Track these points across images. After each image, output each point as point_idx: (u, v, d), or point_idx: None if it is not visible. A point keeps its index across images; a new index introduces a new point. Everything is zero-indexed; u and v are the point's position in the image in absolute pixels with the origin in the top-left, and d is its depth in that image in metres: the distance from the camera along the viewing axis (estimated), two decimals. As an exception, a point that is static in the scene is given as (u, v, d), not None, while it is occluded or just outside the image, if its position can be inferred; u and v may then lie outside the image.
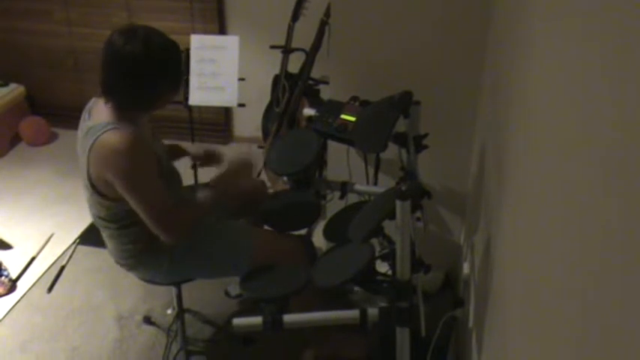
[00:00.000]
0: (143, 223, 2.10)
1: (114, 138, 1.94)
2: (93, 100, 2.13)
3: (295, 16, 3.36)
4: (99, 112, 2.04)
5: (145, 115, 2.16)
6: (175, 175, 2.30)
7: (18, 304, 3.01)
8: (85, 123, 2.06)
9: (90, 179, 2.03)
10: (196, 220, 2.17)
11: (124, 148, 1.93)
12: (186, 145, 2.60)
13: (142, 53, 1.93)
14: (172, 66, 2.05)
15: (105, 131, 1.95)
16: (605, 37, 0.86)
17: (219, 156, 2.56)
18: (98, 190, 2.04)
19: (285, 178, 3.44)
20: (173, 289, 2.53)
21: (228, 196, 2.29)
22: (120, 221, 2.12)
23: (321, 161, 3.08)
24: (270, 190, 2.94)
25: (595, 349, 0.79)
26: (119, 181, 1.97)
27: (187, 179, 2.67)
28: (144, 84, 1.99)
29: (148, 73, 1.97)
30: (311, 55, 3.31)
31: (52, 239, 3.45)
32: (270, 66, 3.69)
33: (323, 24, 3.18)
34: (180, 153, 2.51)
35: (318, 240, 3.06)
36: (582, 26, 1.02)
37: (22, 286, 3.12)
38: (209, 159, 2.55)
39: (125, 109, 2.02)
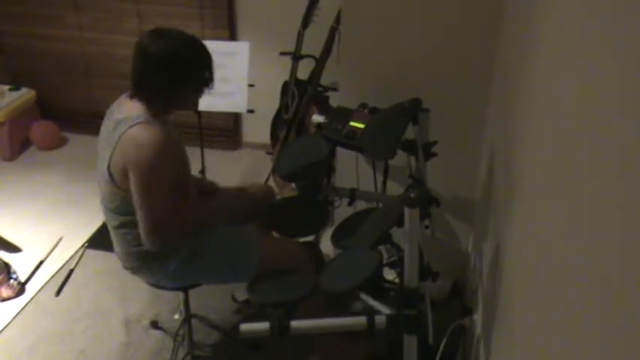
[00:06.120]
0: None
1: (147, 132, 2.02)
2: (119, 98, 2.20)
3: (305, 23, 3.36)
4: (128, 107, 2.11)
5: (170, 113, 2.21)
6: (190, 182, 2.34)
7: (26, 307, 3.02)
8: (112, 117, 2.13)
9: (109, 168, 2.07)
10: (187, 229, 2.19)
11: (155, 143, 2.00)
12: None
13: (170, 51, 2.03)
14: (196, 66, 2.12)
15: (138, 123, 2.03)
16: (615, 46, 0.86)
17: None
18: (114, 179, 2.09)
19: (293, 185, 3.46)
20: (180, 294, 2.54)
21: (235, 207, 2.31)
22: (132, 214, 2.14)
23: (329, 168, 3.09)
24: (278, 196, 2.94)
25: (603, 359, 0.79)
26: (136, 171, 2.01)
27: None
28: (170, 81, 2.07)
29: (174, 70, 2.06)
30: (320, 62, 3.32)
31: (60, 243, 3.47)
32: (279, 72, 3.70)
33: (333, 31, 3.19)
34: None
35: (326, 246, 3.06)
36: (590, 34, 1.02)
37: (31, 289, 3.14)
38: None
39: (152, 105, 2.09)
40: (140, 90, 2.09)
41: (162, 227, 2.08)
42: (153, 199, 2.05)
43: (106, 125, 2.15)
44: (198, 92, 2.18)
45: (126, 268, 2.32)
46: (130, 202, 2.09)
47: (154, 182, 2.04)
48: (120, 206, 2.15)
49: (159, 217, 2.06)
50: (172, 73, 2.06)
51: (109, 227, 2.27)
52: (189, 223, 2.20)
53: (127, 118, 2.06)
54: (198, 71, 2.12)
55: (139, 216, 2.07)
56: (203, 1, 4.02)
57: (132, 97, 2.11)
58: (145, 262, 2.25)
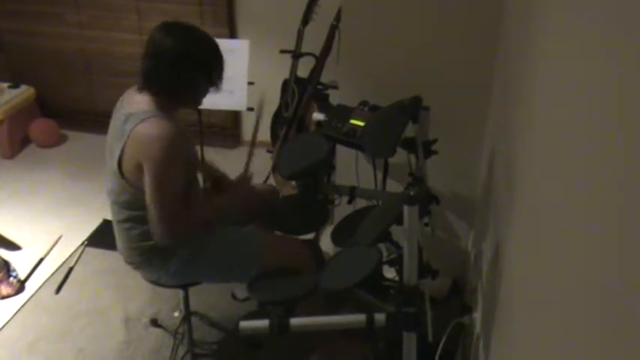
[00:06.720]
0: None
1: (157, 127, 2.03)
2: (126, 92, 2.21)
3: (305, 21, 3.36)
4: (137, 101, 2.11)
5: (178, 108, 2.22)
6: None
7: (26, 304, 3.02)
8: (122, 110, 2.14)
9: (120, 164, 2.08)
10: (198, 226, 2.18)
11: (166, 137, 2.01)
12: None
13: (180, 46, 2.05)
14: (208, 61, 2.13)
15: (147, 118, 2.03)
16: (616, 46, 0.86)
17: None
18: (125, 176, 2.10)
19: (293, 183, 3.46)
20: (180, 292, 2.54)
21: (241, 204, 2.30)
22: (139, 209, 2.14)
23: (329, 166, 3.08)
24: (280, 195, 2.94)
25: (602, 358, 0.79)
26: (150, 166, 2.02)
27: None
28: (179, 76, 2.08)
29: (185, 65, 2.07)
30: (321, 60, 3.31)
31: (60, 240, 3.47)
32: (279, 70, 3.70)
33: (333, 28, 3.19)
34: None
35: (326, 244, 3.06)
36: (591, 32, 1.02)
37: (31, 286, 3.14)
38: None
39: (160, 99, 2.09)
40: (148, 84, 2.09)
41: (175, 223, 2.07)
42: (165, 194, 2.05)
43: (116, 118, 2.15)
44: (205, 90, 2.19)
45: (128, 263, 2.33)
46: (139, 198, 2.09)
47: (167, 176, 2.04)
48: (128, 200, 2.16)
49: (171, 213, 2.06)
50: (181, 68, 2.06)
51: (114, 221, 2.27)
52: (200, 220, 2.19)
53: (136, 112, 2.07)
54: (207, 69, 2.13)
55: (152, 211, 2.06)
56: (203, -2, 4.02)
57: (140, 90, 2.11)
58: (147, 259, 2.25)
